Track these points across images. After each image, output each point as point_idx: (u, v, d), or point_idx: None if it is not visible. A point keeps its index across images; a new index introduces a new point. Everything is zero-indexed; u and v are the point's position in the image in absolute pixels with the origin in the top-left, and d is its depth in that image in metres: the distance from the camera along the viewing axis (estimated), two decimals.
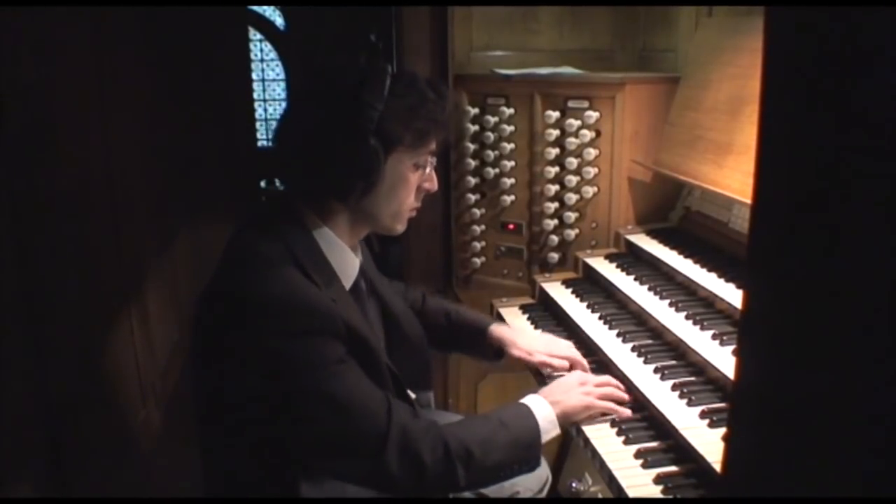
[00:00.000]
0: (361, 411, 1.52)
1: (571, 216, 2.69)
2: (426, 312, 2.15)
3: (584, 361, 2.00)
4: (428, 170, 1.73)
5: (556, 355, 1.99)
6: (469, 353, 2.21)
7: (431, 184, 1.75)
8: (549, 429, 1.70)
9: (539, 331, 2.30)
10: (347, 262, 1.70)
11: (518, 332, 2.13)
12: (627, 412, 1.77)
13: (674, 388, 1.79)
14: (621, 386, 1.84)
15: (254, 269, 1.55)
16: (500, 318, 2.47)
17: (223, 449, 1.67)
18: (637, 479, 1.58)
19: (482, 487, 1.72)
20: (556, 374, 1.96)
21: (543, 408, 1.71)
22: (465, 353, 2.25)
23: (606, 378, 1.85)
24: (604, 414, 1.77)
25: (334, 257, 1.65)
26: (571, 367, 1.98)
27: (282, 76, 9.90)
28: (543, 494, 2.14)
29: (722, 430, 1.60)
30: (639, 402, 1.83)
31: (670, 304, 2.08)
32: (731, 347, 1.81)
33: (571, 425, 1.76)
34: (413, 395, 1.92)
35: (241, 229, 1.66)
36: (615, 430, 1.74)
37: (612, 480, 1.60)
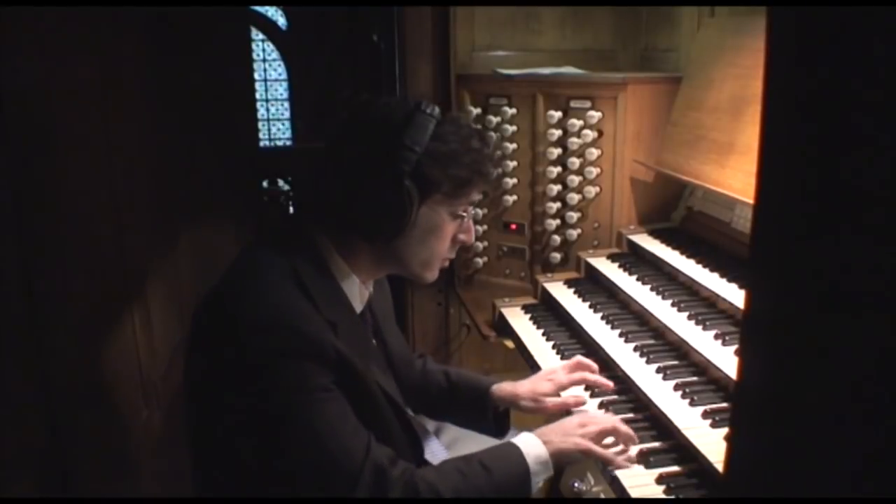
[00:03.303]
0: (336, 445, 1.46)
1: (573, 216, 2.70)
2: (426, 374, 2.03)
3: (593, 365, 1.91)
4: (466, 221, 1.66)
5: (565, 383, 1.87)
6: (470, 420, 2.01)
7: (468, 235, 1.68)
8: (541, 471, 1.59)
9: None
10: (356, 290, 1.64)
11: (517, 384, 1.93)
12: (628, 466, 1.62)
13: (676, 388, 1.78)
14: (629, 431, 1.67)
15: (250, 282, 1.52)
16: (502, 318, 2.48)
17: (207, 461, 1.65)
18: (639, 479, 1.58)
19: None
20: (576, 410, 1.85)
21: (535, 447, 1.60)
22: (464, 422, 2.04)
23: (612, 421, 1.68)
24: (607, 461, 1.64)
25: (344, 284, 1.61)
26: (587, 388, 1.91)
27: (284, 76, 9.91)
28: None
29: (724, 431, 1.60)
30: (641, 402, 1.83)
31: (672, 304, 2.08)
32: (734, 347, 1.81)
33: (567, 464, 1.68)
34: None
35: (254, 242, 1.64)
36: None
37: (614, 480, 1.60)
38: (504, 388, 1.93)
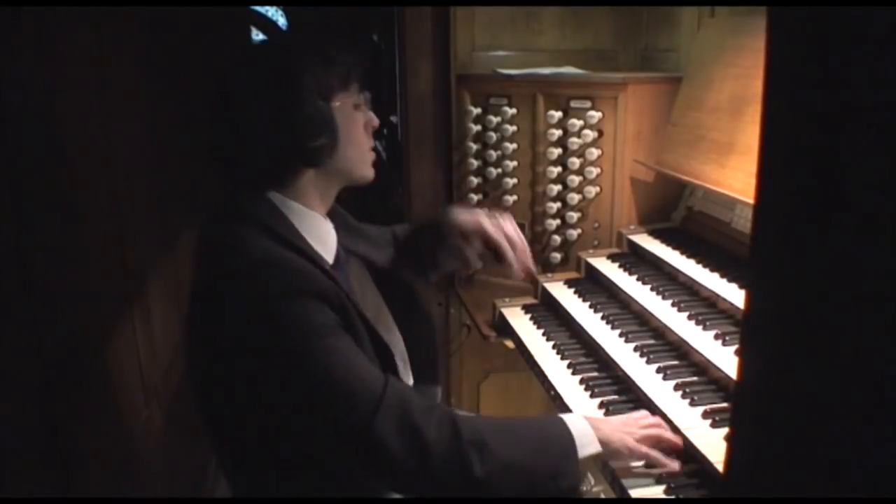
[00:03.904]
0: (354, 375, 1.45)
1: (574, 216, 2.69)
2: (403, 239, 2.14)
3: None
4: (365, 108, 1.74)
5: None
6: (445, 258, 2.07)
7: (374, 120, 1.76)
8: (587, 443, 1.54)
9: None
10: (324, 233, 1.71)
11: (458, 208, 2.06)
12: (675, 465, 1.58)
13: (676, 388, 1.78)
14: (672, 437, 1.64)
15: (231, 249, 1.55)
16: (503, 318, 2.47)
17: (231, 442, 1.66)
18: (639, 479, 1.58)
19: (505, 489, 1.47)
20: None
21: (580, 423, 1.59)
22: (444, 262, 2.10)
23: (655, 419, 1.67)
24: (649, 465, 1.59)
25: (310, 231, 1.65)
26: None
27: None
28: None
29: (724, 431, 1.60)
30: (641, 402, 1.83)
31: (672, 304, 2.08)
32: (734, 347, 1.81)
33: (609, 458, 1.60)
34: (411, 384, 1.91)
35: (215, 219, 1.66)
36: None
37: (614, 480, 1.60)
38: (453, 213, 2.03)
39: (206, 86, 3.27)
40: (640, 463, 1.60)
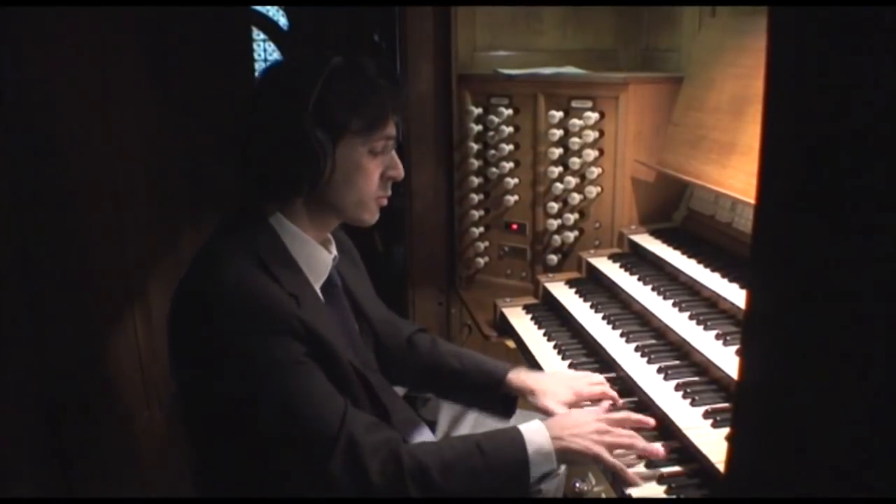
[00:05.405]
0: (311, 414, 1.48)
1: (575, 216, 2.69)
2: (436, 354, 2.02)
3: (613, 393, 1.86)
4: (390, 156, 1.67)
5: (584, 395, 1.84)
6: (477, 403, 2.02)
7: (396, 171, 1.68)
8: (542, 462, 1.56)
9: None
10: (316, 258, 1.66)
11: (539, 378, 1.93)
12: (638, 481, 1.55)
13: (677, 388, 1.78)
14: (650, 421, 1.67)
15: (211, 267, 1.55)
16: (504, 318, 2.47)
17: (203, 450, 1.68)
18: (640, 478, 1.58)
19: None
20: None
21: (540, 438, 1.57)
22: (472, 404, 2.06)
23: (631, 436, 1.62)
24: (617, 472, 1.57)
25: (301, 254, 1.63)
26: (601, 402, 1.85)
27: None
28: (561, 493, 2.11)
29: (725, 430, 1.60)
30: (642, 402, 1.83)
31: (674, 304, 2.08)
32: (735, 347, 1.81)
33: (571, 464, 1.64)
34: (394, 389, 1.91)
35: (215, 231, 1.65)
36: None
37: (615, 480, 1.60)
38: (523, 378, 1.91)
39: (205, 86, 3.27)
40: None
